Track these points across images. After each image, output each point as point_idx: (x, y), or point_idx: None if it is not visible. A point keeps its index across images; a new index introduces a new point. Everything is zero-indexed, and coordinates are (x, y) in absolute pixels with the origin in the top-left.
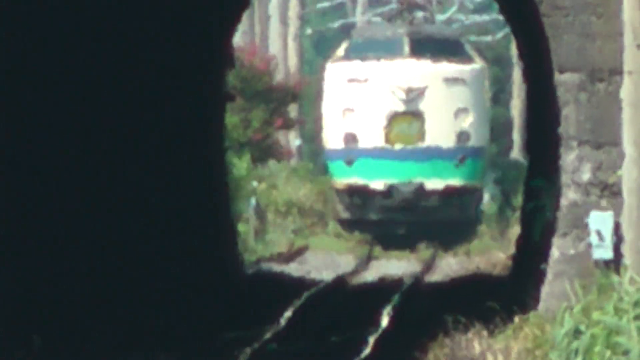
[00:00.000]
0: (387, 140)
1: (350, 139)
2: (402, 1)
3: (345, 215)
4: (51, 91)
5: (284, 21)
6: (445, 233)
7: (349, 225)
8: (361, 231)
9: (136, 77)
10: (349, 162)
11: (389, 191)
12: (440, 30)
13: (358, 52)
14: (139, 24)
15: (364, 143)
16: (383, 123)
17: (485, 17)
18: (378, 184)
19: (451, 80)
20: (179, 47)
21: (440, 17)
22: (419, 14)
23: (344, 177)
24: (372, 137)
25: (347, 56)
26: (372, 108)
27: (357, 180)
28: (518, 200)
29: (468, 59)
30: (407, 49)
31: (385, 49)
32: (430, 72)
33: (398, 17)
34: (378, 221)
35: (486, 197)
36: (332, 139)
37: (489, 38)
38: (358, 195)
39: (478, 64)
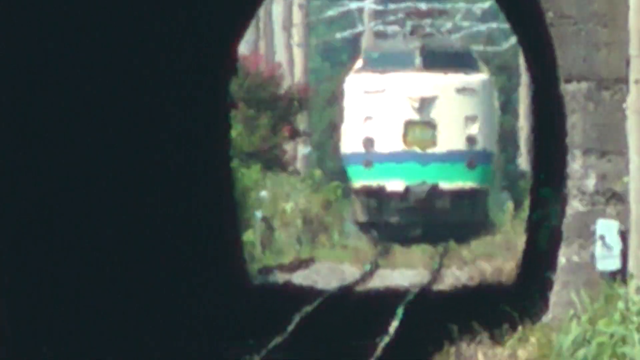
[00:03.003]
0: (403, 145)
1: (369, 143)
2: (408, 12)
3: (362, 217)
4: (58, 95)
5: (288, 30)
6: (457, 233)
7: (366, 227)
8: (378, 232)
9: (141, 83)
10: (368, 164)
11: (405, 192)
12: (450, 43)
13: (374, 65)
14: (145, 32)
15: (381, 147)
16: (399, 129)
17: (491, 26)
18: (394, 185)
19: (461, 90)
20: (184, 55)
21: (446, 26)
22: (427, 24)
23: (361, 180)
24: (388, 142)
25: (365, 68)
26: (388, 116)
27: (374, 182)
28: (525, 209)
29: (477, 70)
30: (419, 61)
31: (400, 61)
32: (441, 83)
33: (403, 26)
34: (394, 223)
35: (493, 203)
36: (351, 144)
37: (495, 47)
38: (375, 197)
39: (486, 75)
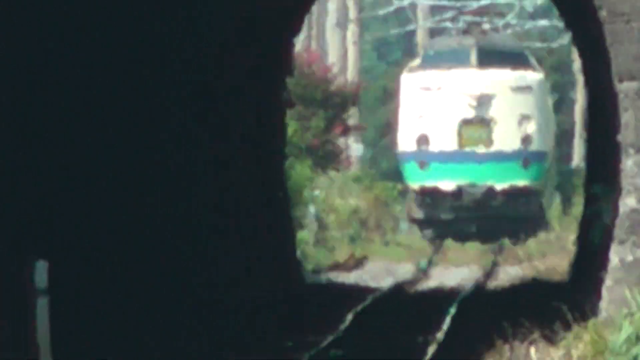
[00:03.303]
0: (458, 144)
1: (424, 142)
2: (462, 11)
3: (418, 214)
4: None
5: (342, 27)
6: (512, 229)
7: (421, 223)
8: (433, 230)
9: (200, 83)
10: (423, 165)
11: (459, 193)
12: (505, 41)
13: (431, 62)
14: (202, 31)
15: (436, 146)
16: (455, 128)
17: (544, 23)
18: (448, 185)
19: (517, 89)
20: (241, 53)
21: (499, 23)
22: (481, 22)
23: (417, 179)
24: (444, 140)
25: (422, 66)
26: (444, 114)
27: (430, 182)
28: (578, 206)
29: (532, 69)
30: (475, 59)
31: (456, 59)
32: (497, 81)
33: (457, 24)
34: (448, 220)
35: (547, 201)
36: (406, 142)
37: (549, 44)
38: (430, 195)
39: (541, 74)
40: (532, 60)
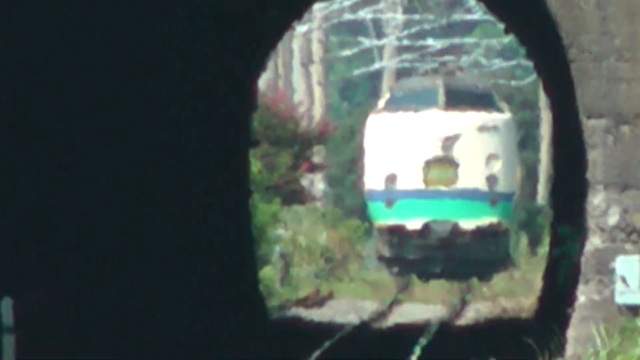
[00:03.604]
0: (425, 182)
1: (390, 181)
2: (432, 53)
3: (385, 252)
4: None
5: (307, 67)
6: (479, 269)
7: (388, 262)
8: (399, 268)
9: (162, 117)
10: (389, 203)
11: (426, 230)
12: (473, 82)
13: (398, 103)
14: (165, 65)
15: (403, 185)
16: (421, 167)
17: (511, 62)
18: (415, 224)
19: (483, 129)
20: (205, 91)
21: (465, 63)
22: (448, 61)
23: (383, 218)
24: (410, 179)
25: (389, 107)
26: (410, 154)
27: (396, 220)
28: (545, 246)
29: (498, 109)
30: (441, 100)
31: (423, 100)
32: (463, 122)
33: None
34: (415, 259)
35: (513, 240)
36: (373, 181)
37: (517, 82)
38: (396, 234)
39: (508, 114)
40: (499, 101)
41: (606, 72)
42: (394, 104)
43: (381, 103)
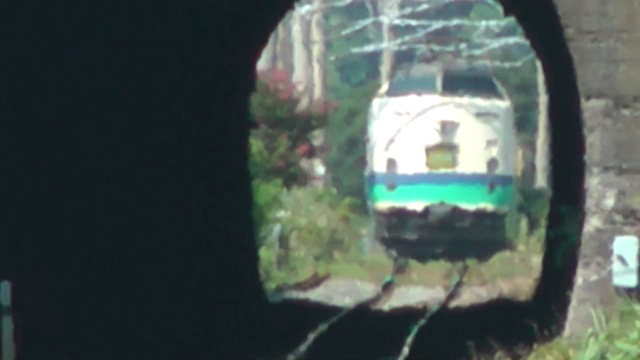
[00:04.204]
0: (425, 167)
1: (392, 165)
2: (429, 38)
3: (384, 234)
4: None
5: (307, 46)
6: (477, 251)
7: (387, 243)
8: (399, 249)
9: (160, 101)
10: (391, 187)
11: (425, 212)
12: (472, 68)
13: (399, 89)
14: (162, 47)
15: (404, 169)
16: (421, 152)
17: (509, 42)
18: (415, 205)
19: (482, 115)
20: (204, 71)
21: (463, 49)
22: (450, 47)
23: (385, 200)
24: (412, 164)
25: (392, 92)
26: (412, 138)
27: (397, 203)
28: (543, 228)
29: (498, 95)
30: (442, 86)
31: (423, 86)
32: (463, 108)
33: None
34: (414, 240)
35: (511, 223)
36: (375, 164)
37: (513, 63)
38: (397, 216)
39: (507, 100)
40: (499, 87)
41: (605, 53)
42: (396, 89)
43: (384, 88)
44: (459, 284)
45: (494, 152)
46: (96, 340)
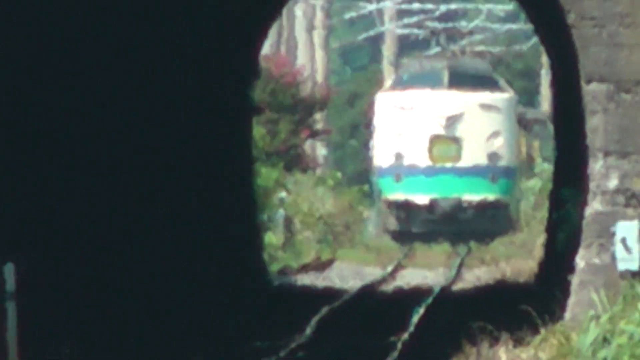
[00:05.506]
0: (429, 159)
1: (399, 157)
2: (433, 30)
3: (392, 226)
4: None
5: (310, 31)
6: (479, 240)
7: (395, 235)
8: (406, 241)
9: (164, 87)
10: (398, 178)
11: (431, 205)
12: (475, 63)
13: (404, 83)
14: (166, 33)
15: (409, 161)
16: (426, 145)
17: (512, 27)
18: (421, 199)
19: (485, 108)
20: (207, 58)
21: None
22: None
23: (392, 192)
24: (416, 156)
25: (395, 87)
26: (416, 132)
27: (403, 195)
28: (544, 210)
29: (500, 89)
30: (446, 81)
31: (428, 81)
32: (466, 101)
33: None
34: (421, 232)
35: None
36: (382, 158)
37: (517, 48)
38: (403, 209)
39: (509, 93)
40: (501, 82)
41: (607, 38)
42: (401, 84)
43: (389, 82)
44: (461, 266)
45: (497, 144)
46: (98, 322)
